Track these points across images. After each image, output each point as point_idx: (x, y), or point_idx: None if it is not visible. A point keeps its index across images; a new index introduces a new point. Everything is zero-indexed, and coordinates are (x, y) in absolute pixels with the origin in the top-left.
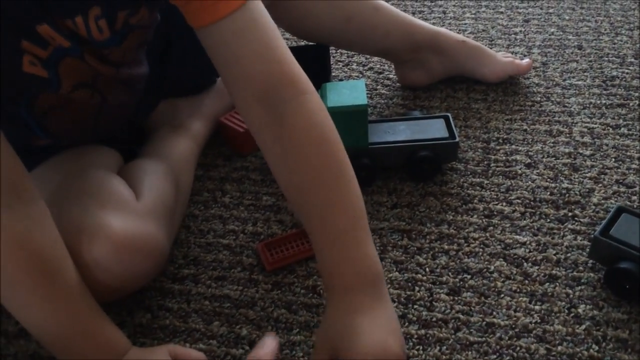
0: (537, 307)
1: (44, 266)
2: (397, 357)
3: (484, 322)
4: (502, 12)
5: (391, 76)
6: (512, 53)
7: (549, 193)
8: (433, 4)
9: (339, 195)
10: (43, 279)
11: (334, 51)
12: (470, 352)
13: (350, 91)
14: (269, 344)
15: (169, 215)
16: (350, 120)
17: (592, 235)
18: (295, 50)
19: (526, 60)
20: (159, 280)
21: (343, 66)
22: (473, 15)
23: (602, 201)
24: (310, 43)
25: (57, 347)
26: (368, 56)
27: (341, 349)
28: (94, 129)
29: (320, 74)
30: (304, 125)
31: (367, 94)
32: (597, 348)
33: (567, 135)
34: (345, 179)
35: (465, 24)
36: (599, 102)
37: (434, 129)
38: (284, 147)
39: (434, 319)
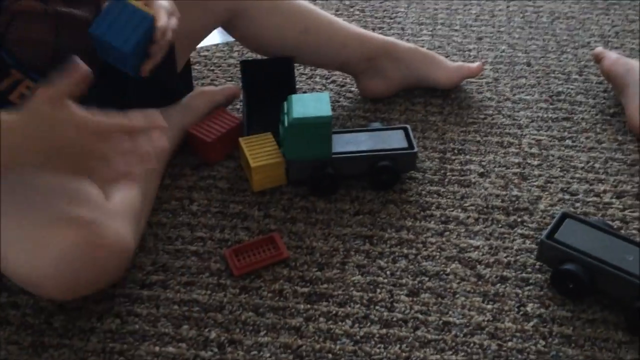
0: (489, 307)
1: None
2: None
3: (441, 321)
4: (457, 30)
5: (353, 89)
6: None
7: (500, 200)
8: (392, 20)
9: None
10: None
11: (297, 65)
12: (428, 350)
13: (315, 103)
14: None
15: (135, 219)
16: (315, 131)
17: (539, 239)
18: (260, 63)
19: (477, 63)
20: (128, 287)
21: (307, 79)
22: (430, 33)
23: (549, 208)
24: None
25: None
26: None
27: None
28: (55, 54)
29: (285, 86)
30: None
31: (331, 106)
32: (544, 343)
33: (517, 146)
34: None
35: (423, 40)
36: (545, 115)
37: (393, 139)
38: None
39: (395, 319)
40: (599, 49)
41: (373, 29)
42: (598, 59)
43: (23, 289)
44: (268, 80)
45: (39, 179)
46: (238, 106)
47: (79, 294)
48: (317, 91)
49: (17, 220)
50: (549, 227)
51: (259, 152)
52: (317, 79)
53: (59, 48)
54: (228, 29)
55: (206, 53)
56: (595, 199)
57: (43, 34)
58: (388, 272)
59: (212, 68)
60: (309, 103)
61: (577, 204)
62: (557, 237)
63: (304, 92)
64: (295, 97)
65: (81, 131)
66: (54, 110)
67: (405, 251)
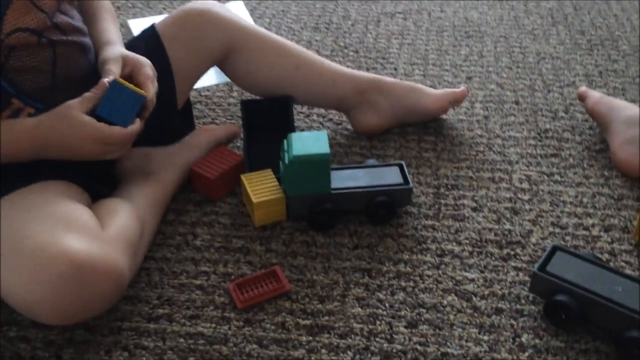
0: (485, 337)
1: None
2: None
3: (439, 352)
4: (447, 70)
5: (349, 127)
6: (457, 108)
7: (493, 234)
8: (385, 60)
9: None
10: None
11: (295, 104)
12: None
13: (314, 141)
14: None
15: (131, 250)
16: (314, 168)
17: (531, 272)
18: (260, 102)
19: (461, 88)
20: (135, 320)
21: (304, 117)
22: (422, 72)
23: (540, 241)
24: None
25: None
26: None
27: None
28: (53, 82)
29: (284, 125)
30: None
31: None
32: None
33: (508, 181)
34: (106, 12)
35: (415, 79)
36: (534, 152)
37: (389, 176)
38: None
39: (394, 350)
40: (583, 88)
41: (367, 69)
42: (582, 98)
43: (33, 323)
44: (267, 118)
45: (37, 205)
46: (239, 144)
47: (74, 320)
48: (314, 129)
49: (14, 245)
50: (541, 259)
51: (260, 188)
52: (315, 117)
53: (56, 75)
54: (224, 66)
55: (207, 93)
56: (584, 232)
57: (41, 63)
58: (387, 304)
59: (212, 107)
60: (308, 141)
61: (567, 237)
62: (548, 269)
63: (302, 130)
64: (294, 136)
65: (94, 137)
66: (77, 115)
67: (403, 284)
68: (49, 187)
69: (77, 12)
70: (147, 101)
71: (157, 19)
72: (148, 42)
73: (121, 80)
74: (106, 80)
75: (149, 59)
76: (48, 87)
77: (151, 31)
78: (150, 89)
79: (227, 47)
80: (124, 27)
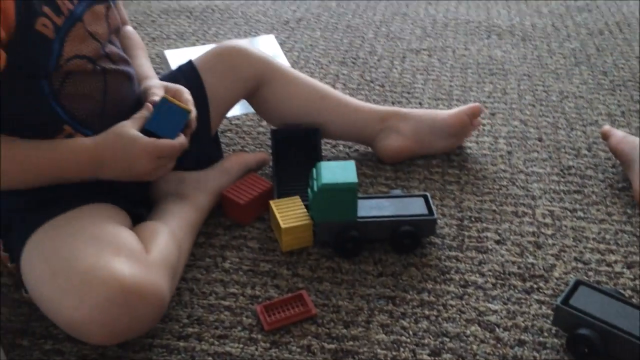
0: None
1: None
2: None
3: None
4: None
5: (374, 158)
6: (480, 142)
7: (516, 267)
8: (410, 95)
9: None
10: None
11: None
12: None
13: (342, 170)
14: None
15: (171, 272)
16: (342, 197)
17: (555, 305)
18: (289, 132)
19: (474, 103)
20: (165, 338)
21: (331, 147)
22: (446, 107)
23: (563, 275)
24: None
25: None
26: None
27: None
28: (103, 109)
29: (312, 154)
30: (128, 33)
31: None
32: None
33: (531, 216)
34: (140, 49)
35: None
36: (558, 188)
37: (414, 206)
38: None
39: None
40: (606, 127)
41: (392, 103)
42: (605, 137)
43: (68, 337)
44: (296, 147)
45: (85, 228)
46: (267, 171)
47: (118, 340)
48: (340, 159)
49: (63, 266)
50: (564, 293)
51: (289, 215)
52: (341, 148)
53: (106, 102)
54: (253, 99)
55: (237, 122)
56: (607, 268)
57: (93, 90)
58: (410, 332)
59: (242, 136)
60: (336, 170)
61: (590, 273)
62: (572, 303)
63: (329, 160)
64: (323, 164)
65: (147, 151)
66: (131, 131)
67: (427, 312)
68: (95, 210)
69: (118, 43)
70: (190, 120)
71: (191, 50)
72: (186, 73)
73: (168, 97)
74: (154, 98)
75: (187, 88)
76: (98, 114)
77: (189, 65)
78: (192, 109)
79: (259, 79)
80: (160, 57)
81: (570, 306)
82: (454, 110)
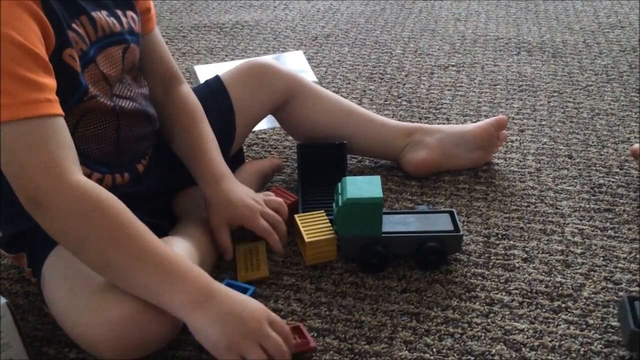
0: None
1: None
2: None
3: None
4: None
5: (400, 173)
6: (509, 159)
7: (544, 286)
8: (437, 111)
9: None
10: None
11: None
12: None
13: (367, 185)
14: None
15: None
16: (367, 211)
17: (631, 330)
18: (315, 147)
19: (500, 116)
20: (188, 349)
21: (357, 162)
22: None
23: (592, 295)
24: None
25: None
26: None
27: (232, 215)
28: (117, 146)
29: (337, 169)
30: (183, 98)
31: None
32: None
33: (560, 234)
34: (200, 124)
35: None
36: (588, 206)
37: (440, 222)
38: (171, 109)
39: None
40: (637, 145)
41: (420, 118)
42: (636, 155)
43: None
44: (322, 162)
45: None
46: (292, 185)
47: (128, 357)
48: (366, 174)
49: (79, 284)
50: (625, 315)
51: (313, 229)
52: (367, 163)
53: (119, 141)
54: (280, 114)
55: (264, 136)
56: (638, 289)
57: (107, 129)
58: (434, 350)
59: (268, 149)
60: (362, 185)
61: (620, 293)
62: None
63: (354, 175)
64: (349, 179)
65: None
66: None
67: (451, 330)
68: None
69: (134, 82)
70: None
71: (220, 66)
72: (212, 87)
73: (231, 281)
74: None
75: (213, 103)
76: (112, 152)
77: (216, 80)
78: (276, 244)
79: (286, 95)
80: (190, 72)
81: None
82: (480, 122)
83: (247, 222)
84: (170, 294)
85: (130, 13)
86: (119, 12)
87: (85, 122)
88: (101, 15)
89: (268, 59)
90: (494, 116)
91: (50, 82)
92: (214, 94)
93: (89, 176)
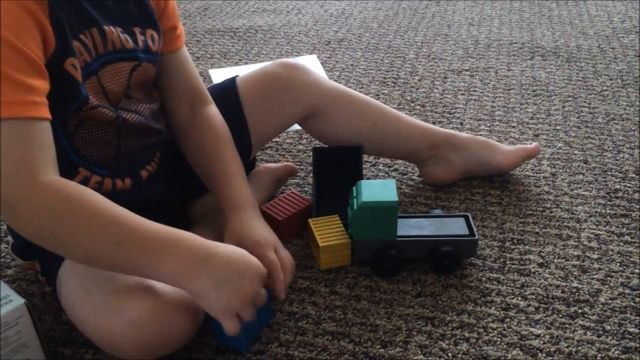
0: None
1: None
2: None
3: None
4: (514, 127)
5: (414, 177)
6: (524, 164)
7: (560, 291)
8: (451, 115)
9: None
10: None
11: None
12: None
13: (382, 189)
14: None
15: None
16: (382, 215)
17: None
18: (331, 150)
19: (534, 144)
20: (203, 352)
21: (370, 166)
22: (488, 128)
23: (609, 301)
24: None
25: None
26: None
27: (245, 237)
28: (118, 151)
29: (352, 173)
30: (209, 119)
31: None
32: None
33: (576, 239)
34: (227, 147)
35: (481, 135)
36: (604, 211)
37: (455, 226)
38: (196, 130)
39: None
40: None
41: (433, 123)
42: None
43: None
44: (337, 166)
45: None
46: (307, 189)
47: (150, 357)
48: (380, 178)
49: (97, 287)
50: None
51: (327, 233)
52: (381, 167)
53: (121, 146)
54: (303, 125)
55: (277, 139)
56: None
57: (108, 135)
58: (450, 354)
59: (282, 153)
60: (377, 188)
61: (638, 299)
62: None
63: (369, 179)
64: (364, 183)
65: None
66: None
67: (467, 335)
68: None
69: (145, 97)
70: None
71: (234, 70)
72: (225, 90)
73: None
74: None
75: (221, 113)
76: (113, 156)
77: (231, 83)
78: (279, 283)
79: (308, 111)
80: (204, 76)
81: None
82: (512, 150)
83: (258, 250)
84: (163, 265)
85: (150, 31)
86: (137, 30)
87: (86, 125)
88: (114, 30)
89: (289, 66)
90: (508, 121)
91: (41, 85)
92: (223, 104)
93: (88, 178)
